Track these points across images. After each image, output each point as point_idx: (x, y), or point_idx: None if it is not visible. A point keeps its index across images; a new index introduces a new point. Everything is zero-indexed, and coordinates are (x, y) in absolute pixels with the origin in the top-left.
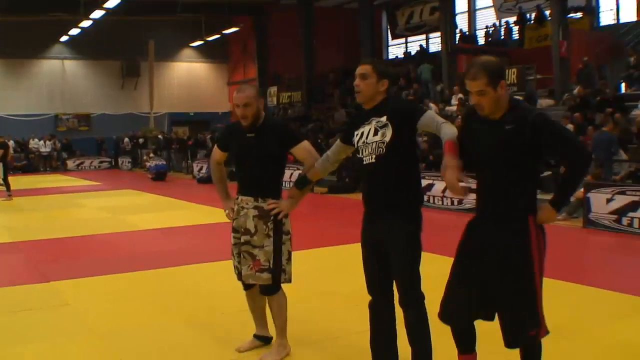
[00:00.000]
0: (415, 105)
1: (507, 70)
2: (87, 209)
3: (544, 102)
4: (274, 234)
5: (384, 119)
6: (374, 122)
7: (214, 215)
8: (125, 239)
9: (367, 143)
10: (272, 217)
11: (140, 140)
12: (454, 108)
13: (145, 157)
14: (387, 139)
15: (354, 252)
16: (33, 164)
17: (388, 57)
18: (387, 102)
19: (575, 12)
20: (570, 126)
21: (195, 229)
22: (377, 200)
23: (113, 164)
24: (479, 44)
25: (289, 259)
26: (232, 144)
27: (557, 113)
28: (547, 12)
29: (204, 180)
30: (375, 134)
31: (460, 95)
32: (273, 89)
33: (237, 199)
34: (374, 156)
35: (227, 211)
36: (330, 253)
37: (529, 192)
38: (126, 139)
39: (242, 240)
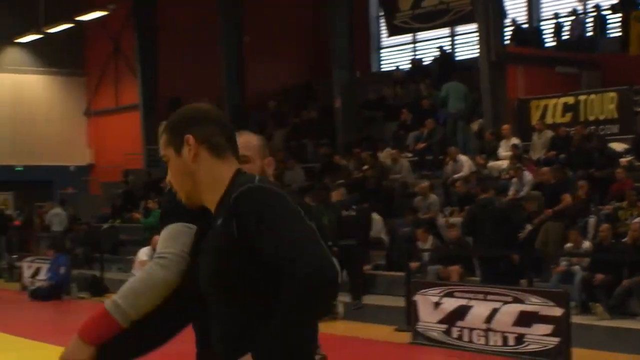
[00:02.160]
0: None
1: (599, 96)
2: None
3: None
4: None
5: None
6: None
7: None
8: None
9: None
10: None
11: None
12: (503, 163)
13: None
14: None
15: None
16: None
17: (380, 68)
18: None
19: None
20: None
21: None
22: None
23: None
24: (546, 45)
25: None
26: None
27: None
28: None
29: (42, 294)
30: None
31: (515, 141)
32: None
33: None
34: None
35: None
36: None
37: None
38: None
39: None
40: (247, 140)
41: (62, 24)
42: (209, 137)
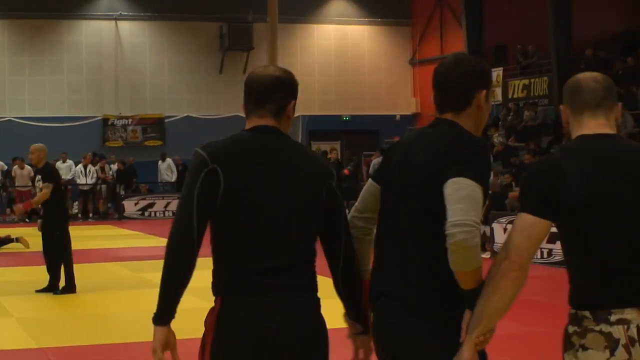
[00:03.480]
0: None
1: None
2: None
3: None
4: None
5: None
6: None
7: None
8: None
9: None
10: None
11: None
12: None
13: None
14: None
15: None
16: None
17: None
18: None
19: None
20: None
21: None
22: None
23: None
24: None
25: None
26: None
27: None
28: None
29: None
30: None
31: None
32: (496, 73)
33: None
34: None
35: None
36: None
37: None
38: (168, 160)
39: None
40: None
41: None
42: (245, 102)
